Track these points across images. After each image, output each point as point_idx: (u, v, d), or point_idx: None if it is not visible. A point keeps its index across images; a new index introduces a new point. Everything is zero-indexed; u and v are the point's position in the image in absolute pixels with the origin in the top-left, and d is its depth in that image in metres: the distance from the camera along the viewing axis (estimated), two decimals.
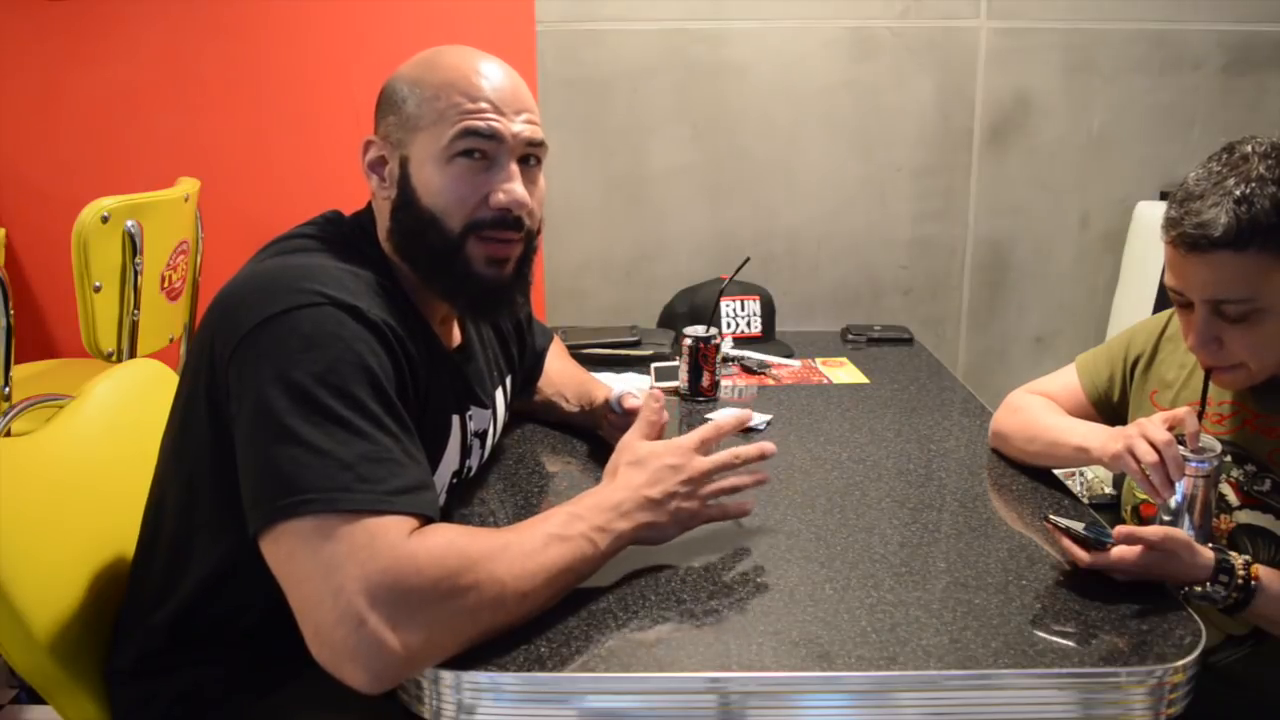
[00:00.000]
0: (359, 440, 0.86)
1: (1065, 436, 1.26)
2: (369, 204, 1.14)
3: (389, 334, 0.95)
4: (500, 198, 1.05)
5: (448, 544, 0.86)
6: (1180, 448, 1.09)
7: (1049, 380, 1.43)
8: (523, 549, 0.90)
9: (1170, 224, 1.09)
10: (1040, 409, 1.37)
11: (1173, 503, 1.09)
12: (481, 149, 1.04)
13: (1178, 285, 1.11)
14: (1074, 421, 1.31)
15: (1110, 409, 1.36)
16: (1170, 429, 1.11)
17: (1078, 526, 1.04)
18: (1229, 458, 1.17)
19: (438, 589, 0.83)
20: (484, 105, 1.04)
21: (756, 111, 2.29)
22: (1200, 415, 1.12)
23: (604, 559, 0.97)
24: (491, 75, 1.06)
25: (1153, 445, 1.10)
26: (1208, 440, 1.11)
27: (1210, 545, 1.04)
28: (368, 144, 1.10)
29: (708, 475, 1.05)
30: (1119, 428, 1.18)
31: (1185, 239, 1.07)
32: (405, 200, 1.06)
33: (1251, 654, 1.18)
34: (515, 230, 1.07)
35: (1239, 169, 1.06)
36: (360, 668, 0.81)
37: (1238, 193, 1.04)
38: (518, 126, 1.06)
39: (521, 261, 1.11)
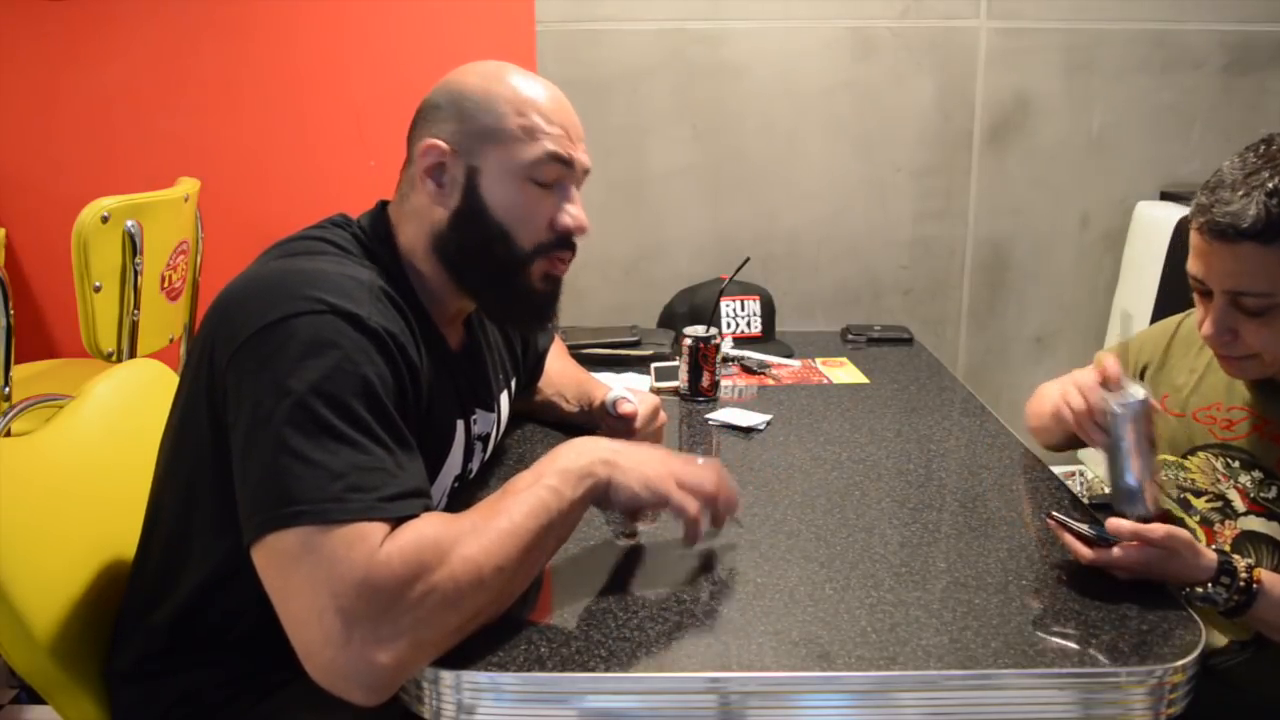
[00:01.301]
0: (351, 450, 0.86)
1: (1048, 408, 1.28)
2: (379, 205, 1.14)
3: (389, 342, 0.94)
4: (568, 221, 1.10)
5: (418, 538, 0.84)
6: (1106, 394, 1.12)
7: (1073, 374, 1.43)
8: (489, 523, 0.89)
9: (1199, 210, 1.08)
10: (1052, 389, 1.37)
11: (1104, 447, 1.11)
12: (557, 174, 1.08)
13: (1200, 273, 1.10)
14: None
15: None
16: (1102, 381, 1.13)
17: (1081, 525, 1.04)
18: (1237, 463, 1.18)
19: (415, 588, 0.82)
20: (560, 131, 1.08)
21: (756, 112, 2.29)
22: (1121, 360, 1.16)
23: (574, 507, 0.95)
24: (562, 101, 1.11)
25: (1082, 395, 1.13)
26: (1133, 386, 1.12)
27: (1213, 548, 1.04)
28: (429, 148, 1.07)
29: (680, 467, 1.03)
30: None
31: (1212, 227, 1.06)
32: (472, 211, 1.07)
33: (1254, 658, 1.17)
34: (572, 251, 1.13)
35: (1275, 161, 1.05)
36: (355, 686, 0.81)
37: (1270, 185, 1.03)
38: (581, 154, 1.11)
39: (561, 279, 1.16)
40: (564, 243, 1.11)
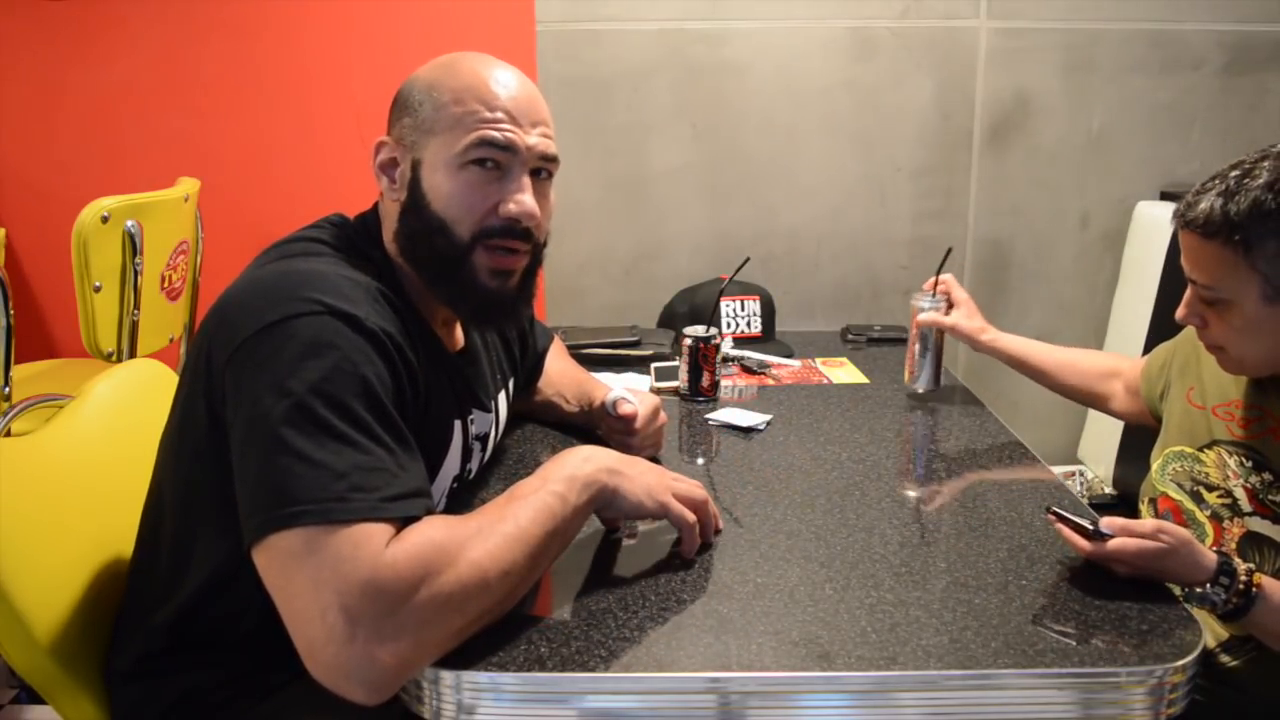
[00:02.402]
0: (353, 451, 0.86)
1: None
2: (374, 206, 1.14)
3: (387, 342, 0.94)
4: (511, 208, 1.05)
5: (425, 541, 0.85)
6: (922, 293, 1.63)
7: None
8: (495, 528, 0.89)
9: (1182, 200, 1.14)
10: None
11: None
12: (495, 159, 1.05)
13: (1181, 259, 1.16)
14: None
15: (1155, 403, 1.41)
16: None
17: (1079, 519, 1.04)
18: (1250, 462, 1.18)
19: (420, 591, 0.82)
20: (500, 115, 1.04)
21: (756, 111, 2.29)
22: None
23: (578, 513, 0.96)
24: (510, 85, 1.07)
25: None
26: (939, 300, 1.61)
27: (1215, 550, 1.04)
28: (380, 145, 1.09)
29: (672, 481, 1.06)
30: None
31: (1177, 214, 1.12)
32: (414, 204, 1.06)
33: (1255, 658, 1.17)
34: (523, 240, 1.08)
35: (1251, 165, 1.08)
36: (356, 684, 0.81)
37: (1225, 186, 1.08)
38: (533, 139, 1.06)
39: (526, 274, 1.12)
40: (510, 231, 1.06)
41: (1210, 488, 1.22)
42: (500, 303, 1.10)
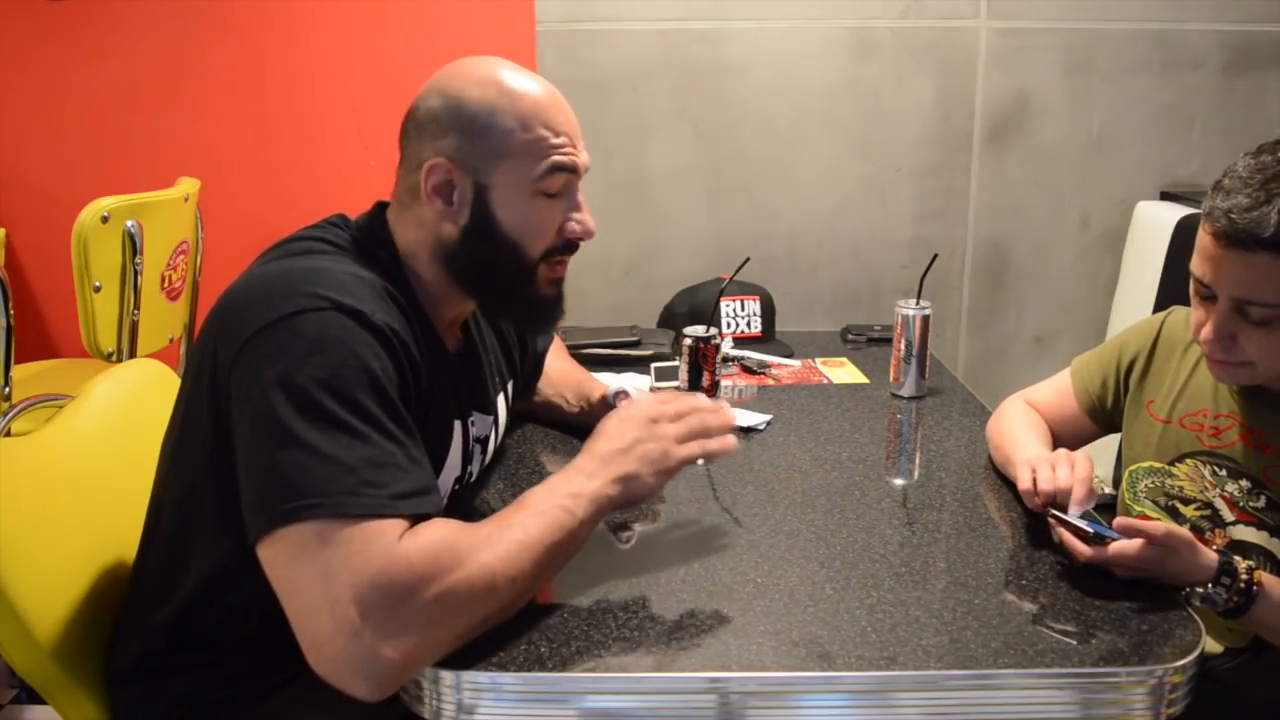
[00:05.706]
0: (362, 445, 0.86)
1: (1014, 452, 1.24)
2: (377, 206, 1.13)
3: (392, 339, 0.95)
4: (576, 229, 1.11)
5: (437, 540, 0.85)
6: (903, 301, 1.66)
7: (1044, 386, 1.40)
8: (505, 534, 0.90)
9: (1215, 214, 1.03)
10: (1015, 419, 1.34)
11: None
12: (566, 183, 1.09)
13: (1207, 277, 1.06)
14: (1029, 438, 1.28)
15: (1105, 417, 1.34)
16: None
17: (1080, 522, 1.04)
18: (1224, 471, 1.17)
19: (430, 588, 0.83)
20: (565, 140, 1.08)
21: (756, 111, 2.29)
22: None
23: (586, 526, 0.95)
24: (563, 105, 1.10)
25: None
26: (920, 306, 1.67)
27: (1214, 549, 1.03)
28: (433, 167, 1.05)
29: (666, 417, 1.03)
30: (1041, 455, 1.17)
31: (1228, 232, 1.01)
32: (483, 228, 1.06)
33: (1251, 661, 1.17)
34: (574, 252, 1.13)
35: (1275, 165, 1.01)
36: (360, 678, 0.81)
37: (1272, 192, 1.00)
38: (583, 156, 1.11)
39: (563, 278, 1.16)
40: (569, 247, 1.12)
41: (1186, 501, 1.20)
42: (555, 309, 1.16)
